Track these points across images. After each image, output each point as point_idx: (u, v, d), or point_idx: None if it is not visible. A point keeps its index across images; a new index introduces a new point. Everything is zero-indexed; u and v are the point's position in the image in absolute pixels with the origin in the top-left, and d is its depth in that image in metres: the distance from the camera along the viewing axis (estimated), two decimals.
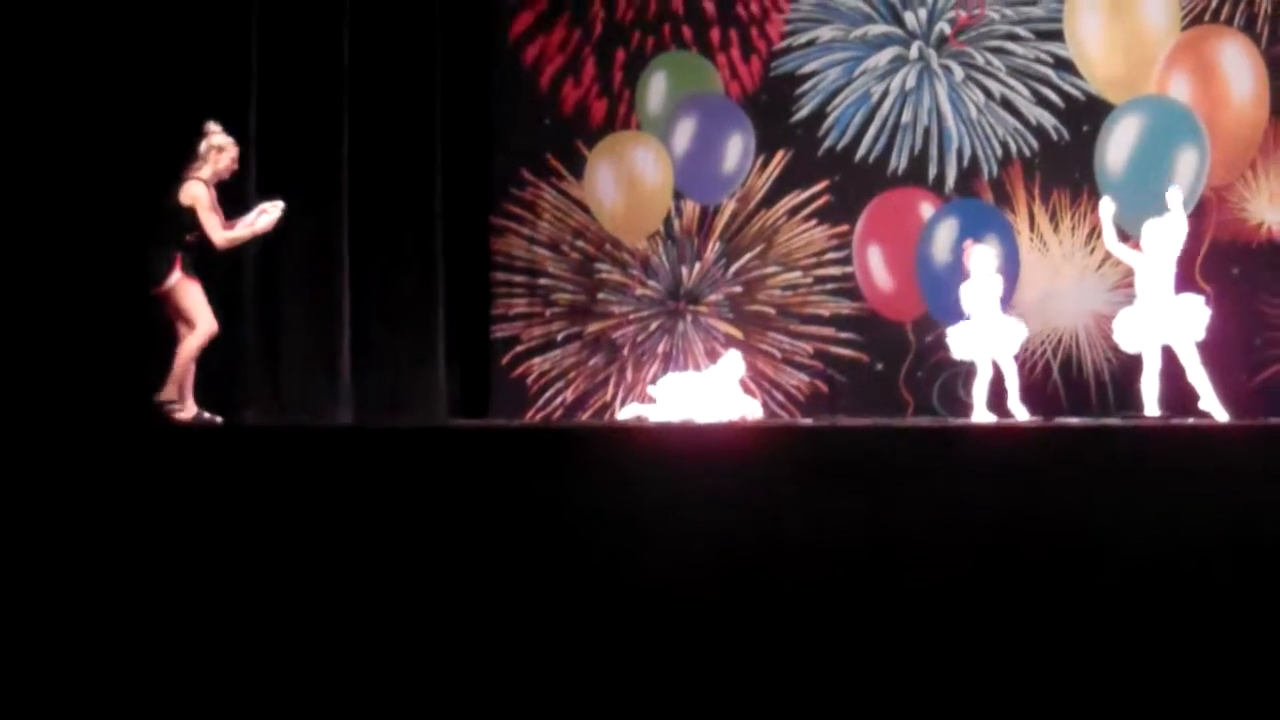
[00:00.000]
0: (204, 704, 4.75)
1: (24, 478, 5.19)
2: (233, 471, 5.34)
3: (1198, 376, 6.87)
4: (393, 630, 4.86)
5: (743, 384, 8.48)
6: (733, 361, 8.36)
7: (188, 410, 6.88)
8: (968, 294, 7.52)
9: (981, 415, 7.39)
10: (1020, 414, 7.30)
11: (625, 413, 8.49)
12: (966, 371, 7.72)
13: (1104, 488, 4.73)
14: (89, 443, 5.60)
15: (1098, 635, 4.48)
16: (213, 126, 7.00)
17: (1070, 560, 4.63)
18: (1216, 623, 4.43)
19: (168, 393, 6.80)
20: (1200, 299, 7.07)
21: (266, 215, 6.97)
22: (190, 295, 6.82)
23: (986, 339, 7.42)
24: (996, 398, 7.38)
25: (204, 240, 6.87)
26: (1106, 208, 7.33)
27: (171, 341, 6.97)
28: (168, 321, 6.91)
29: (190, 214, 6.81)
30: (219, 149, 6.94)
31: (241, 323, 8.37)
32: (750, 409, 8.16)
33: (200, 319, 6.83)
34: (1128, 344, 7.17)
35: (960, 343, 7.51)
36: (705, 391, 8.09)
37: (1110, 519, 4.65)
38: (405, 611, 4.89)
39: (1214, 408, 6.85)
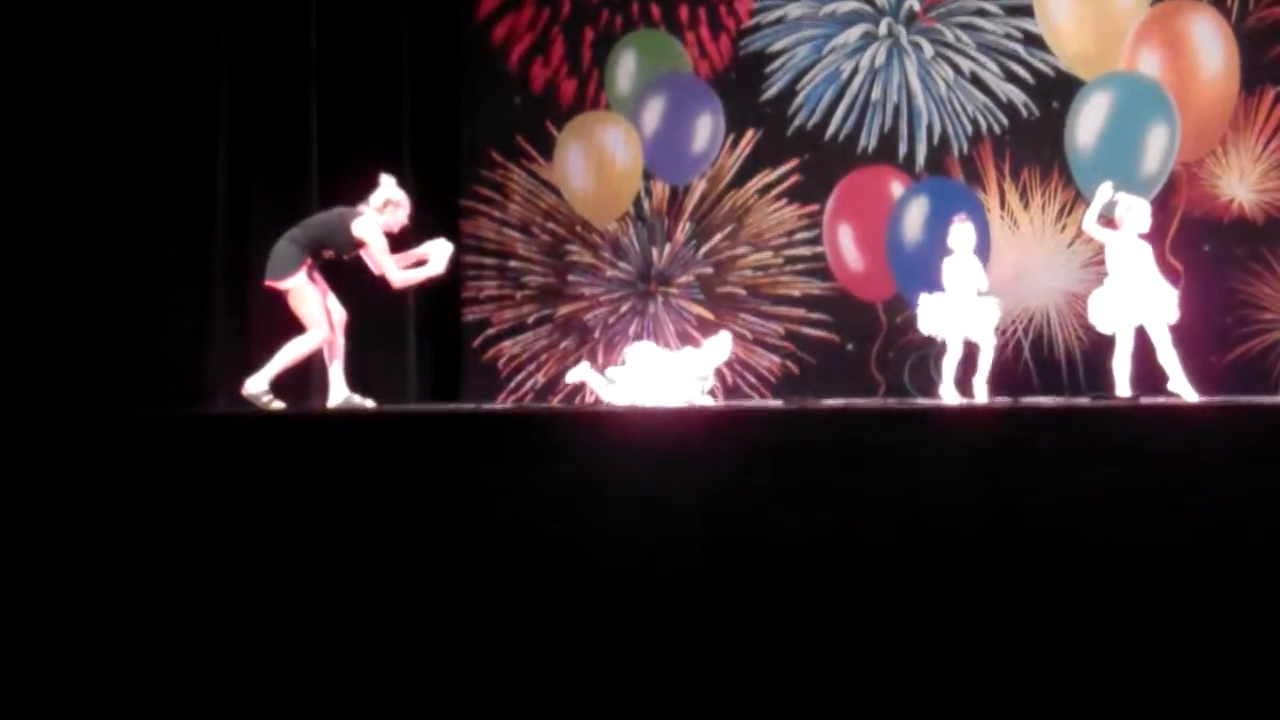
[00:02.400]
0: (181, 696, 4.73)
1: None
2: (204, 459, 5.31)
3: (1168, 357, 6.85)
4: (358, 617, 4.83)
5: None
6: (721, 344, 7.94)
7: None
8: (949, 271, 7.45)
9: (949, 391, 7.35)
10: (981, 394, 7.27)
11: (573, 375, 8.09)
12: (937, 351, 7.70)
13: (1075, 468, 4.72)
14: (61, 433, 5.56)
15: (1069, 617, 4.47)
16: (387, 178, 7.10)
17: (1041, 542, 4.62)
18: (1187, 604, 4.42)
19: (258, 383, 6.90)
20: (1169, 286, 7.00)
21: (437, 261, 7.11)
22: (308, 301, 6.94)
23: (961, 317, 7.37)
24: (964, 375, 7.36)
25: (335, 263, 7.10)
26: (1104, 192, 7.16)
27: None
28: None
29: (349, 240, 6.96)
30: (395, 204, 7.05)
31: (212, 308, 8.35)
32: (719, 348, 7.87)
33: (313, 325, 6.94)
34: (1103, 324, 7.11)
35: (930, 315, 7.45)
36: (678, 370, 7.87)
37: (1081, 499, 4.65)
38: (372, 599, 4.86)
39: (1183, 389, 6.83)
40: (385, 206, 7.04)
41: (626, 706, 4.57)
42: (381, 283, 7.14)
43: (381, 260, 7.01)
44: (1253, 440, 4.78)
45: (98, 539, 4.99)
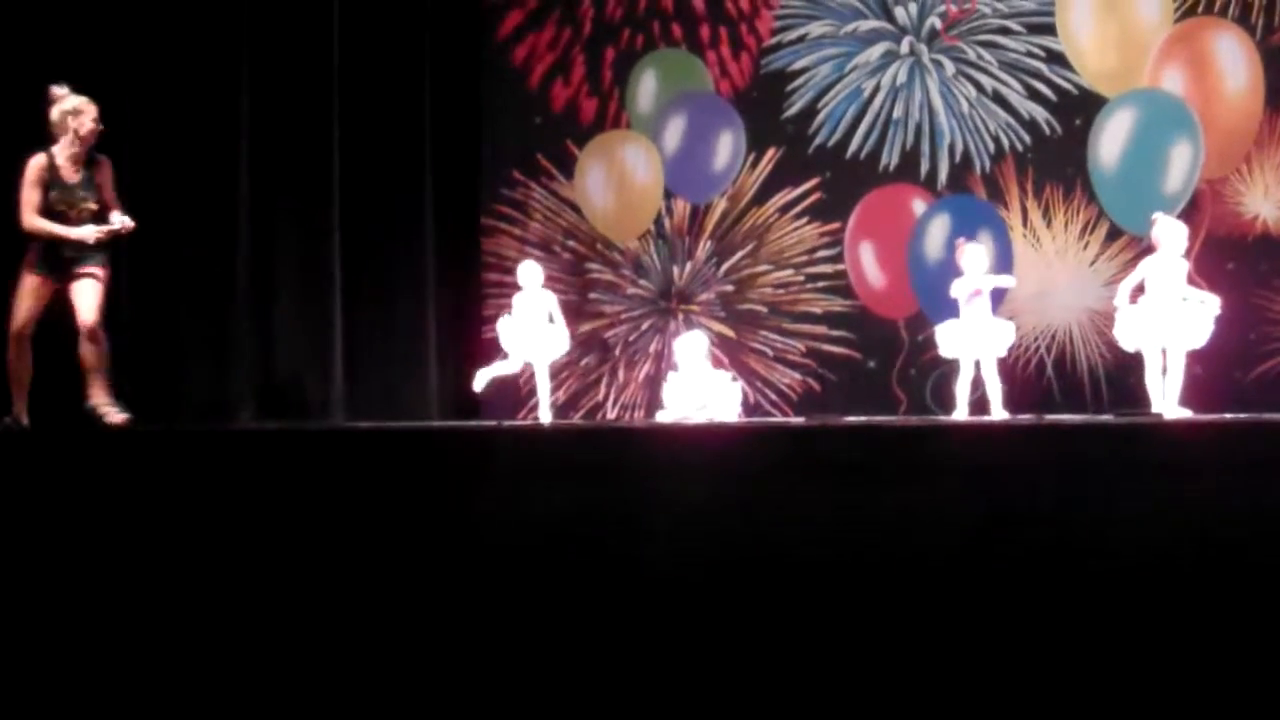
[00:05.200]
0: (194, 704, 4.73)
1: (13, 481, 5.16)
2: (228, 474, 5.31)
3: (1174, 382, 6.77)
4: (379, 633, 4.82)
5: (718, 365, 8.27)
6: (693, 343, 8.01)
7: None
8: (959, 290, 7.42)
9: (963, 415, 7.31)
10: (999, 415, 7.21)
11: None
12: (952, 371, 7.66)
13: (1099, 485, 4.69)
14: (79, 444, 5.57)
15: (1095, 634, 4.43)
16: (59, 90, 6.16)
17: (1066, 559, 4.58)
18: (1207, 618, 4.38)
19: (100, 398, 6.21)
20: (1211, 304, 6.85)
21: (105, 228, 6.17)
22: (17, 291, 6.16)
23: (974, 339, 7.33)
24: (980, 400, 7.31)
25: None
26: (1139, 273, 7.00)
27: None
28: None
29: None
30: (75, 112, 6.12)
31: (235, 326, 8.39)
32: (728, 397, 7.89)
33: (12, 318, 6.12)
34: (1128, 343, 7.03)
35: (948, 341, 7.43)
36: (689, 385, 7.87)
37: (1105, 516, 4.61)
38: (394, 614, 4.85)
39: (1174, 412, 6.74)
40: (65, 119, 6.12)
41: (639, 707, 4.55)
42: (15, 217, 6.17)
43: (22, 195, 6.06)
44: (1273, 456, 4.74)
45: (131, 553, 4.99)
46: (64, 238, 6.11)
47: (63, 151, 6.17)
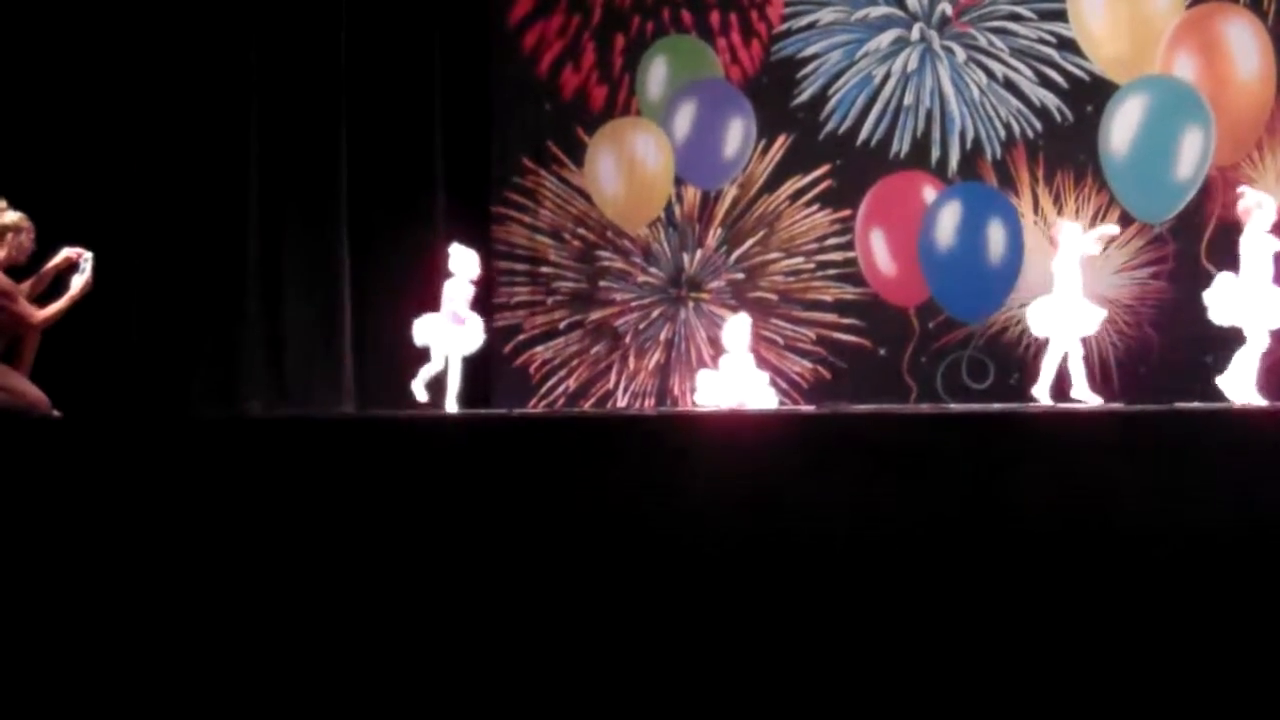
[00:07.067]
0: (207, 698, 4.75)
1: (28, 470, 5.18)
2: (239, 464, 5.32)
3: (1251, 361, 6.54)
4: (396, 626, 4.83)
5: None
6: (738, 327, 7.94)
7: None
8: (1057, 269, 7.25)
9: (1043, 394, 7.13)
10: (1090, 399, 7.05)
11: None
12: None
13: (1113, 472, 4.69)
14: (92, 435, 5.59)
15: (1115, 621, 4.44)
16: None
17: (1082, 546, 4.59)
18: (1230, 606, 4.38)
19: None
20: None
21: (80, 275, 6.14)
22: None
23: (1064, 317, 7.18)
24: (1059, 380, 7.13)
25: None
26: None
27: None
28: None
29: None
30: (15, 229, 6.05)
31: (245, 316, 8.41)
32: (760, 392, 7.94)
33: None
34: (1220, 317, 6.68)
35: (1039, 319, 7.16)
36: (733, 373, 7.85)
37: (1121, 504, 4.61)
38: (412, 606, 4.86)
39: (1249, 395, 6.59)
40: (3, 235, 6.05)
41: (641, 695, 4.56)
42: (20, 324, 6.07)
43: (14, 308, 5.98)
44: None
45: (142, 540, 5.01)
46: (72, 304, 6.14)
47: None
